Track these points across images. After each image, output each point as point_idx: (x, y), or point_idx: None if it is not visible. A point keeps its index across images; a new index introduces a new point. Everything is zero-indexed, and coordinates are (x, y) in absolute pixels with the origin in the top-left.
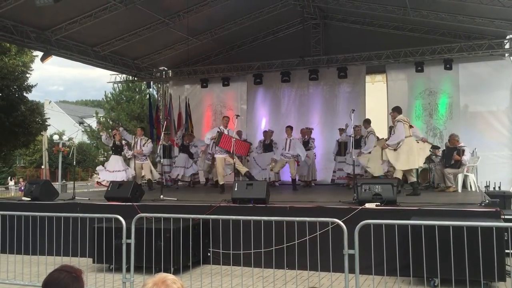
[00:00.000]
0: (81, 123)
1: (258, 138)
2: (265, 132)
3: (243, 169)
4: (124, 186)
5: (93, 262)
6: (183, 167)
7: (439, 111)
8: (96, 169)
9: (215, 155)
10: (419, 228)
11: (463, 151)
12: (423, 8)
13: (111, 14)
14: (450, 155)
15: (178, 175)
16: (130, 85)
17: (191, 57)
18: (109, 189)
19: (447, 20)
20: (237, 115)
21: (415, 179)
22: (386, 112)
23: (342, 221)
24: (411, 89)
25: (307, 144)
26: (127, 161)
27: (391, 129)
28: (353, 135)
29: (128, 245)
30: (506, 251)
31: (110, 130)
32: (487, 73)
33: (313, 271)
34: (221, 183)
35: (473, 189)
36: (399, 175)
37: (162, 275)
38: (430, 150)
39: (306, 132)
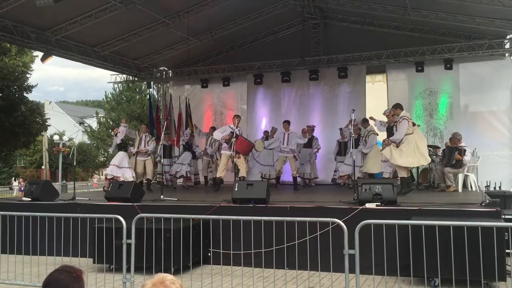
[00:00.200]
0: (81, 123)
1: (259, 138)
2: (266, 132)
3: (243, 170)
4: (124, 186)
5: (94, 262)
6: (186, 164)
7: (439, 111)
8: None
9: (222, 152)
10: (420, 228)
11: (464, 151)
12: (423, 8)
13: (111, 14)
14: (451, 155)
15: (177, 172)
16: (131, 85)
17: (191, 57)
18: (109, 189)
19: (447, 20)
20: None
21: (405, 176)
22: None
23: (342, 221)
24: (411, 89)
25: (310, 144)
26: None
27: (390, 127)
28: (353, 135)
29: (129, 245)
30: (507, 251)
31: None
32: (487, 73)
33: (314, 271)
34: (219, 175)
35: (474, 189)
36: (404, 173)
37: (161, 275)
38: (430, 150)
39: (308, 131)
